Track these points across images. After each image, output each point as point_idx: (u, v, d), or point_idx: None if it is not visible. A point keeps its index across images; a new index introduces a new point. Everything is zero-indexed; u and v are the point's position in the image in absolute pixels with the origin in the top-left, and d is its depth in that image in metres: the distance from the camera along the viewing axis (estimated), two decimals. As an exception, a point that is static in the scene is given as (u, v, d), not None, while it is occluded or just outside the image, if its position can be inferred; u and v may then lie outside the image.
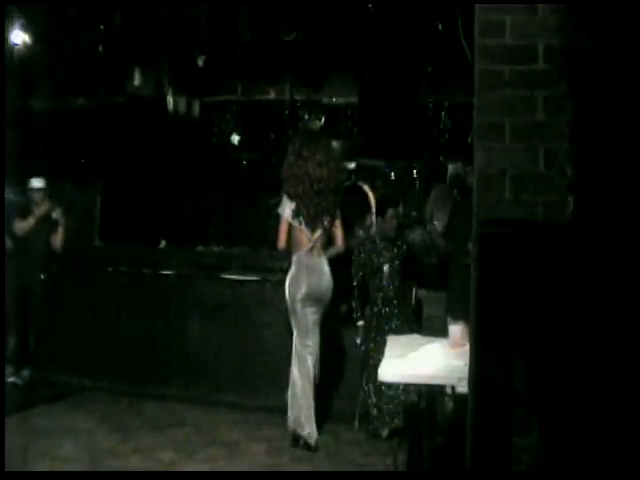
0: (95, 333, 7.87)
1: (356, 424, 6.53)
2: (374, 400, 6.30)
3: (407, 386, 5.83)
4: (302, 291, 6.01)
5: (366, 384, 6.38)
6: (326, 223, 6.10)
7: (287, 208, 6.04)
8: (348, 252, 6.50)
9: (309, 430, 6.04)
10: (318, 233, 6.10)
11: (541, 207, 3.20)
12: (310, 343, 6.10)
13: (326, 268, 6.12)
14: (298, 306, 6.04)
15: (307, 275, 6.04)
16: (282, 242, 6.08)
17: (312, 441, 5.99)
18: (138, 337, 7.80)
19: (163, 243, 8.37)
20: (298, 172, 6.00)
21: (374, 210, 7.46)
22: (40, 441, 5.86)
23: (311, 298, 6.04)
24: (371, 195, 7.80)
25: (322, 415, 6.61)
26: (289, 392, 6.13)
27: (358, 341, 6.45)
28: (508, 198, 3.24)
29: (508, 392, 3.04)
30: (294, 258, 6.10)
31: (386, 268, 6.42)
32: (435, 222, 6.57)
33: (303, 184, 6.00)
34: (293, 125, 7.99)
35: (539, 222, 3.18)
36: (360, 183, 7.88)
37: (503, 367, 3.06)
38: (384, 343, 5.50)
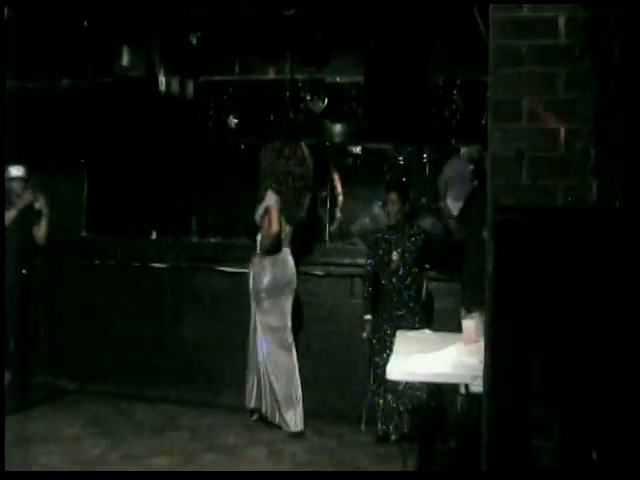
0: (82, 331, 7.90)
1: (362, 426, 6.54)
2: (382, 400, 6.30)
3: (417, 385, 5.81)
4: (265, 282, 6.71)
5: (373, 383, 6.38)
6: (298, 218, 6.90)
7: (274, 201, 6.69)
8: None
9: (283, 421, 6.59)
10: (291, 227, 6.87)
11: (561, 192, 3.19)
12: (278, 327, 6.72)
13: (290, 258, 6.80)
14: (263, 296, 6.73)
15: (271, 267, 6.73)
16: (278, 226, 6.68)
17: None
18: (128, 335, 7.83)
19: (155, 234, 8.35)
20: (280, 170, 6.79)
21: (341, 198, 7.95)
22: (23, 448, 5.89)
23: (278, 287, 6.71)
24: (338, 183, 8.00)
25: (325, 416, 6.66)
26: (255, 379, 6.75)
27: (364, 335, 6.46)
28: (525, 183, 3.23)
29: (526, 392, 3.02)
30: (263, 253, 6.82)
31: (395, 257, 6.42)
32: (448, 201, 6.51)
33: (286, 181, 6.78)
34: (294, 106, 7.96)
35: (559, 208, 3.17)
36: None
37: (521, 365, 3.04)
38: (393, 338, 5.53)
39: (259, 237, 6.88)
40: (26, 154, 7.66)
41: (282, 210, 6.75)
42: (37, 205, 7.46)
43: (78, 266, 8.03)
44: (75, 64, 7.94)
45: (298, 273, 7.02)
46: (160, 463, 5.74)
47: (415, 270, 6.44)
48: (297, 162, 6.87)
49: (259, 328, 6.76)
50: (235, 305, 7.39)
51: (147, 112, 7.87)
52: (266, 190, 6.80)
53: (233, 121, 8.18)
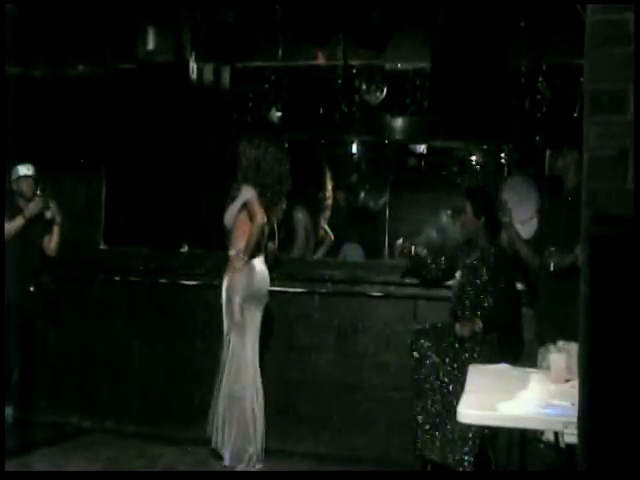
0: (98, 360, 7.86)
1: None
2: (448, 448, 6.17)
3: (493, 431, 5.69)
4: (254, 289, 6.69)
5: (432, 425, 6.24)
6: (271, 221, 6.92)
7: (252, 195, 6.69)
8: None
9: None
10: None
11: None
12: (256, 345, 6.74)
13: (264, 267, 6.83)
14: (250, 306, 6.68)
15: (258, 275, 6.75)
16: (263, 217, 6.69)
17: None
18: (153, 364, 7.79)
19: (185, 247, 8.33)
20: (265, 166, 6.77)
21: (329, 203, 8.30)
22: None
23: (258, 297, 6.74)
24: (329, 183, 8.18)
25: (384, 467, 6.54)
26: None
27: None
28: (630, 187, 3.09)
29: (637, 448, 2.87)
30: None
31: (457, 278, 6.41)
32: (517, 227, 6.44)
33: (271, 182, 6.79)
34: (347, 97, 7.91)
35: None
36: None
37: (628, 413, 2.90)
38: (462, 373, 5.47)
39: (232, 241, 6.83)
40: (34, 153, 7.68)
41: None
42: (48, 213, 7.46)
43: (94, 283, 8.01)
44: (92, 48, 7.96)
45: (349, 294, 6.96)
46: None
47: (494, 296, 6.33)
48: (282, 163, 6.87)
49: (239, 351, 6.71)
50: (278, 328, 7.31)
51: (176, 104, 7.88)
52: (240, 187, 6.78)
53: (276, 114, 8.16)
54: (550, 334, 5.55)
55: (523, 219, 6.53)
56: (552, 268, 5.59)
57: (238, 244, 6.69)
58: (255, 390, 6.68)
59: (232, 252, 6.70)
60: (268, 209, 6.76)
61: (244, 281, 6.64)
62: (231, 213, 6.74)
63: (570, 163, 5.87)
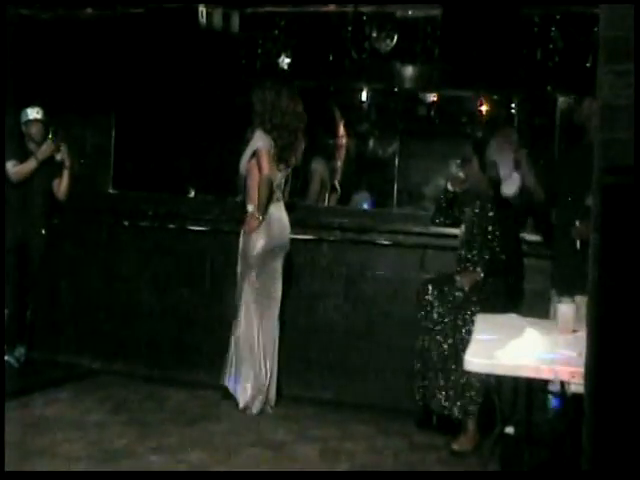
0: (108, 302, 7.89)
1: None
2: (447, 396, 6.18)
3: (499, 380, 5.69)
4: (259, 246, 6.71)
5: (438, 372, 6.25)
6: (290, 164, 6.92)
7: (263, 143, 6.69)
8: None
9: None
10: (283, 174, 6.91)
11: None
12: (275, 294, 6.88)
13: (285, 215, 6.88)
14: (253, 262, 6.72)
15: (266, 226, 6.72)
16: (270, 170, 6.66)
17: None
18: (162, 308, 7.83)
19: (193, 192, 8.30)
20: (281, 109, 6.80)
21: (343, 142, 8.29)
22: (40, 436, 5.87)
23: (273, 251, 6.79)
24: (342, 129, 8.25)
25: (390, 413, 6.64)
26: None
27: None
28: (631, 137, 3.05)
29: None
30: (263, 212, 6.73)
31: (462, 229, 6.43)
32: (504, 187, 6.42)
33: (287, 123, 6.80)
34: (357, 45, 7.80)
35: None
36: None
37: (635, 363, 2.88)
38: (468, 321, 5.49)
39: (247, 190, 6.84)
40: (44, 97, 7.63)
41: (279, 157, 6.79)
42: (58, 156, 7.44)
43: (104, 227, 8.02)
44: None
45: (357, 242, 6.94)
46: (195, 457, 5.67)
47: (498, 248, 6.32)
48: (297, 102, 6.93)
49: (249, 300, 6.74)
50: (286, 275, 7.27)
51: (185, 49, 7.79)
52: (254, 131, 6.79)
53: (285, 61, 8.05)
54: (567, 289, 5.51)
55: (504, 175, 6.48)
56: (579, 247, 5.53)
57: (253, 197, 6.68)
58: (273, 340, 6.82)
59: (250, 208, 6.70)
60: (286, 150, 6.76)
61: (259, 240, 6.65)
62: (244, 160, 6.73)
63: (593, 111, 5.78)
